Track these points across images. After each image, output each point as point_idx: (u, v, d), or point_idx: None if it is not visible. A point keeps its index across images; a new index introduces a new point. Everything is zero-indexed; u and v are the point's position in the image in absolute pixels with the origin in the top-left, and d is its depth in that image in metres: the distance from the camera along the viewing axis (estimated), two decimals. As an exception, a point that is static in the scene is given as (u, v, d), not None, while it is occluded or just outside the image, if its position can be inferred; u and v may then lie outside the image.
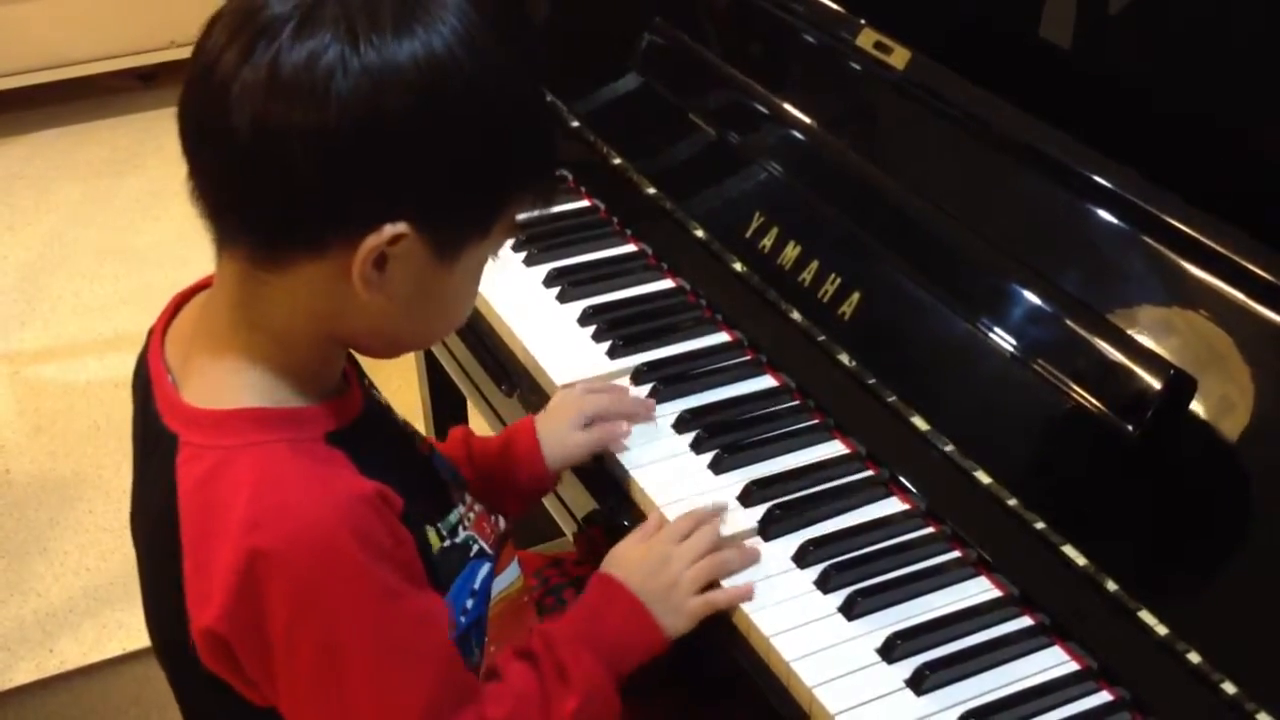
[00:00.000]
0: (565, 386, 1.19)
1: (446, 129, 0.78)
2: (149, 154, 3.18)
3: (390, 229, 0.78)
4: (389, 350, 0.89)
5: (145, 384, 0.88)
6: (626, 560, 1.00)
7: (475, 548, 0.95)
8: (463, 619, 0.93)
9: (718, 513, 1.03)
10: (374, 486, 0.81)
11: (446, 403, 1.74)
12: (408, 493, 0.85)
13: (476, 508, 0.99)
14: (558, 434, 1.11)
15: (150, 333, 0.90)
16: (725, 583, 0.98)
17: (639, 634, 0.95)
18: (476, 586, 0.95)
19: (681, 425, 1.13)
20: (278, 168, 0.76)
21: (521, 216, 0.86)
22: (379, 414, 0.95)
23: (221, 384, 0.83)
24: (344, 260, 0.79)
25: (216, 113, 0.77)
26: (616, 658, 0.93)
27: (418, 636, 0.83)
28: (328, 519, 0.78)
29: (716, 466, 1.09)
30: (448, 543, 0.92)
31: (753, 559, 1.00)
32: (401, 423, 0.99)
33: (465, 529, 0.95)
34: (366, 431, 0.88)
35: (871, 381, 1.11)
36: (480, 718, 0.85)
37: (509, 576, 1.01)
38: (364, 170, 0.77)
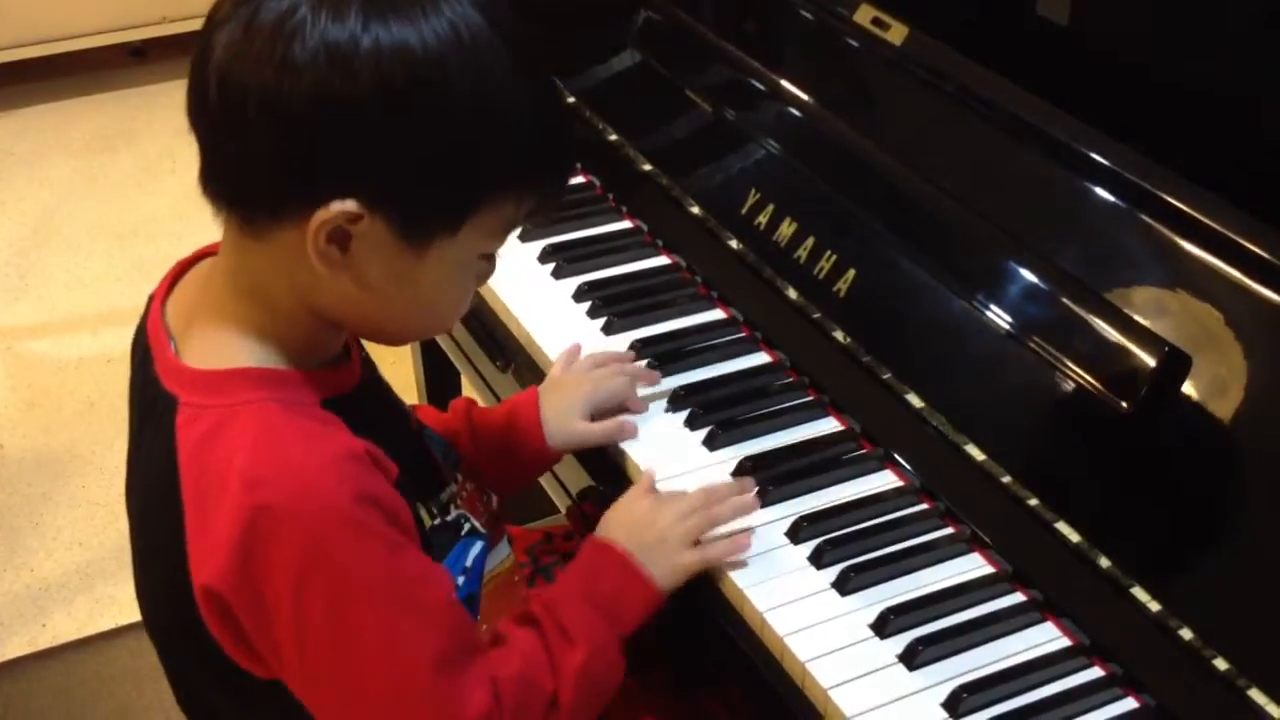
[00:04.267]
0: (570, 355, 1.19)
1: (407, 120, 0.76)
2: (141, 129, 3.16)
3: (338, 206, 0.77)
4: (374, 335, 0.89)
5: (144, 349, 0.88)
6: (615, 521, 1.00)
7: (467, 526, 0.95)
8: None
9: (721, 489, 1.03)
10: (365, 445, 0.82)
11: (441, 377, 1.74)
12: (401, 465, 0.85)
13: (469, 486, 0.99)
14: (561, 418, 1.10)
15: (150, 299, 0.90)
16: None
17: (633, 589, 0.95)
18: (468, 564, 0.94)
19: (676, 402, 1.13)
20: (238, 131, 0.76)
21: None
22: (376, 388, 0.95)
23: (219, 347, 0.83)
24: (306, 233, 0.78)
25: (201, 74, 0.77)
26: (615, 614, 0.93)
27: (423, 590, 0.83)
28: (328, 475, 0.78)
29: (711, 443, 1.09)
30: (438, 520, 0.92)
31: (742, 509, 1.00)
32: (395, 400, 0.99)
33: (456, 507, 0.95)
34: (362, 402, 0.88)
35: (866, 359, 1.11)
36: (490, 673, 0.85)
37: (499, 554, 1.01)
38: (314, 144, 0.76)
